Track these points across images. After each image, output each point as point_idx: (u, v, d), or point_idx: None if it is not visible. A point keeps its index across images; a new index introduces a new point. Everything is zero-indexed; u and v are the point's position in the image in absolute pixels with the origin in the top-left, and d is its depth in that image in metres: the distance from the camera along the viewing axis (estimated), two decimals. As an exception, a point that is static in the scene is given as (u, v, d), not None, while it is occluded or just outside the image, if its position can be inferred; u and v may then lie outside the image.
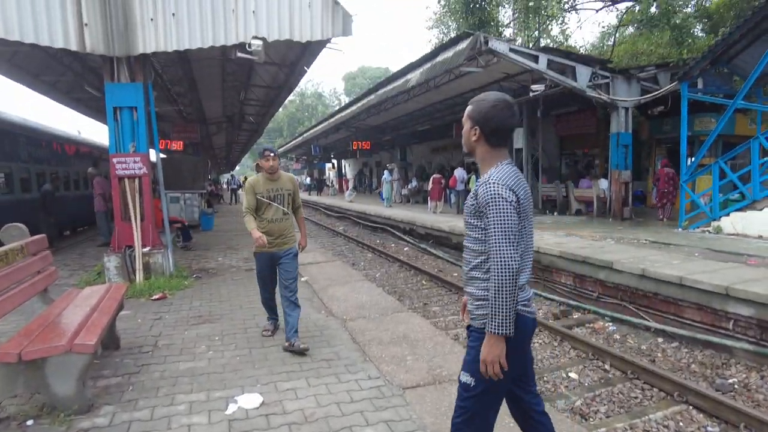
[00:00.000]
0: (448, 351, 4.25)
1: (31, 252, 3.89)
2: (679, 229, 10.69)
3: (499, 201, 1.88)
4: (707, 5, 17.27)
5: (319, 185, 40.64)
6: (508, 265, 1.84)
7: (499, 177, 1.95)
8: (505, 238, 1.86)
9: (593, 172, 16.16)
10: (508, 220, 1.87)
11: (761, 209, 9.38)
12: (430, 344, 4.43)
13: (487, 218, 1.91)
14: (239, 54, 7.36)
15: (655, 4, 13.64)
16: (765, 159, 9.60)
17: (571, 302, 7.59)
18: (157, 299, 6.19)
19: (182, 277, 7.22)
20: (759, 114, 11.49)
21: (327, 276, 7.54)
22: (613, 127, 12.73)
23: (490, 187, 1.92)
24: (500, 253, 1.86)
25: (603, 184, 13.88)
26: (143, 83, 7.19)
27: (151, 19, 6.77)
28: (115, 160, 7.02)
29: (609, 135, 12.99)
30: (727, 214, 10.05)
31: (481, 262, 2.00)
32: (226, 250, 10.25)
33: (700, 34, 16.60)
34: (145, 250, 7.08)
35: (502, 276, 1.84)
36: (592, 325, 6.69)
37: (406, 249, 13.29)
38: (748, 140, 10.02)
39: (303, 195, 39.93)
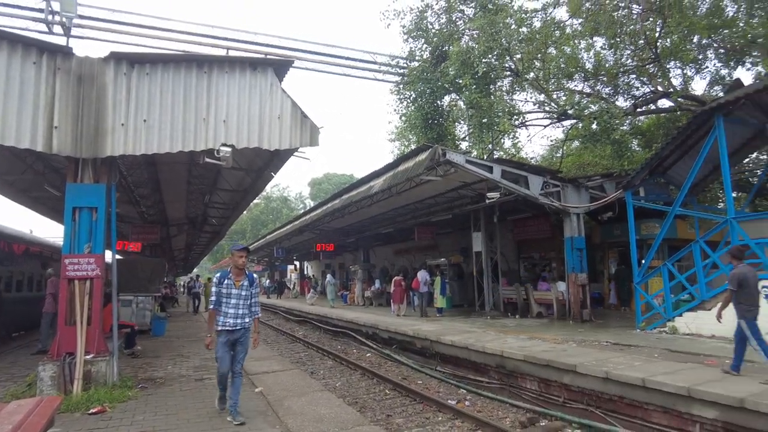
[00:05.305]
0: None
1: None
2: (638, 330, 10.88)
3: None
4: (640, 124, 19.33)
5: (279, 288, 39.76)
6: None
7: None
8: None
9: (550, 275, 16.61)
10: None
11: (710, 309, 9.74)
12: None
13: None
14: (207, 159, 7.57)
15: (595, 123, 15.12)
16: (707, 261, 10.18)
17: (538, 408, 7.36)
18: (95, 413, 5.63)
19: (126, 388, 6.65)
20: (696, 220, 12.44)
21: (283, 386, 7.12)
22: (566, 232, 13.37)
23: None
24: None
25: (561, 286, 14.22)
26: (107, 185, 7.20)
27: (122, 124, 6.96)
28: (67, 260, 6.75)
29: (563, 239, 13.61)
30: (681, 315, 10.38)
31: None
32: (177, 358, 9.63)
33: (637, 149, 18.35)
34: (88, 357, 6.57)
35: None
36: (560, 433, 6.45)
37: (368, 355, 12.83)
38: (689, 243, 10.72)
39: (262, 298, 38.89)
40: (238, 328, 5.41)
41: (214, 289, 5.52)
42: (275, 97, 7.66)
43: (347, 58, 18.01)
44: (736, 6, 14.28)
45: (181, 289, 43.54)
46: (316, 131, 7.79)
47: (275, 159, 9.70)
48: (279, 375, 7.99)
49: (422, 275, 16.78)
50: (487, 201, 13.80)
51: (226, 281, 5.45)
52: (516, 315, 15.33)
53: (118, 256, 17.06)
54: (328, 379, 10.09)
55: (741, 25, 14.06)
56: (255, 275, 6.04)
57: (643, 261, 11.80)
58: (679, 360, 7.47)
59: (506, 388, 8.49)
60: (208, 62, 7.56)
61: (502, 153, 18.94)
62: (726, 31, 14.43)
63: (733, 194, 13.09)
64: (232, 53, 14.11)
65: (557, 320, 13.73)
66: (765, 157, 15.53)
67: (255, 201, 40.43)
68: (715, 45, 15.59)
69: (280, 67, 7.94)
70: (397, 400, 8.27)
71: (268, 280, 44.45)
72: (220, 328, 5.37)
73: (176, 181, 13.07)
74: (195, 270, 51.72)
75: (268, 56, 14.03)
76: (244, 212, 32.55)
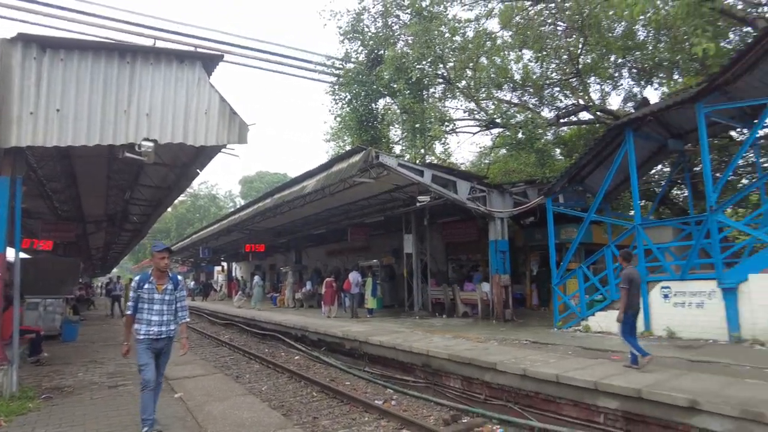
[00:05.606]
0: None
1: None
2: (555, 329, 11.56)
3: None
4: (562, 134, 20.54)
5: (205, 289, 38.24)
6: None
7: None
8: None
9: (475, 276, 17.24)
10: None
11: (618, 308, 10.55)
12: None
13: None
14: (127, 154, 7.17)
15: (521, 132, 15.87)
16: (617, 263, 11.00)
17: (460, 406, 7.62)
18: (-11, 428, 5.16)
19: (26, 399, 6.14)
20: (609, 226, 13.43)
21: (205, 391, 6.88)
22: (491, 235, 13.95)
23: None
24: None
25: (485, 287, 14.81)
26: (10, 177, 6.62)
27: (31, 113, 6.43)
28: (-40, 260, 6.14)
29: (488, 242, 14.19)
30: (593, 314, 11.16)
31: None
32: (89, 364, 9.02)
33: (559, 158, 19.47)
34: (-17, 366, 6.01)
35: None
36: (480, 429, 6.71)
37: (297, 358, 12.67)
38: (603, 248, 11.55)
39: (187, 300, 37.14)
40: (162, 336, 4.96)
41: (131, 294, 5.01)
42: (203, 92, 7.40)
43: (283, 56, 17.65)
44: (646, 31, 15.55)
45: (99, 291, 40.82)
46: (245, 128, 7.60)
47: (201, 155, 9.36)
48: (201, 379, 7.71)
49: (354, 276, 16.85)
50: (418, 204, 14.13)
51: (146, 285, 4.97)
52: (443, 315, 15.77)
53: (24, 255, 15.76)
54: (254, 383, 9.86)
55: (650, 48, 15.35)
56: (180, 277, 5.66)
57: (562, 263, 12.56)
58: (590, 356, 8.03)
59: (431, 387, 8.72)
60: (132, 52, 7.17)
61: (433, 158, 19.39)
62: (638, 52, 15.70)
63: (641, 202, 14.26)
64: (159, 44, 13.41)
65: (481, 320, 14.27)
66: (668, 169, 17.02)
67: (180, 198, 38.65)
68: (628, 65, 16.92)
69: (209, 61, 7.68)
70: (325, 402, 8.25)
71: (193, 282, 42.68)
72: (142, 337, 4.87)
73: (94, 175, 12.22)
74: (115, 270, 48.65)
75: (198, 49, 13.49)
76: (168, 210, 31.05)
